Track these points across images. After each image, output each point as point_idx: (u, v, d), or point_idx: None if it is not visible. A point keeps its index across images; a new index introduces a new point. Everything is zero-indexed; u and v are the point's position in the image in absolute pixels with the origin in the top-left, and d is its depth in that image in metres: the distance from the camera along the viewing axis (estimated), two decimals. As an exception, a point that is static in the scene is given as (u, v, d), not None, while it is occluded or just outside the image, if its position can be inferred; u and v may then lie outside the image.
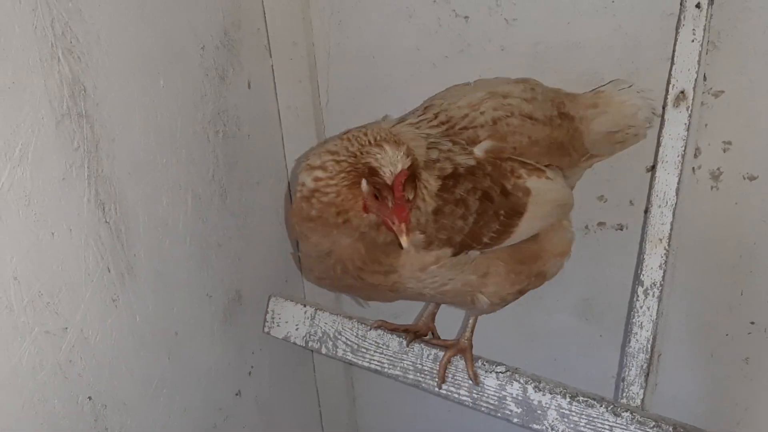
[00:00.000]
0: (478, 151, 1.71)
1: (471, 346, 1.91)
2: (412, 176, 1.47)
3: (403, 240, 1.44)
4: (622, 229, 2.14)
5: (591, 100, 1.84)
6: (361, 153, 1.49)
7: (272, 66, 2.25)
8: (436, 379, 1.91)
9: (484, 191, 1.63)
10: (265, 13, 2.18)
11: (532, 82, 1.88)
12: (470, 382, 1.86)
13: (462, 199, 1.60)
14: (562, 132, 1.78)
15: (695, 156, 1.98)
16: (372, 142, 1.49)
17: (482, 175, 1.65)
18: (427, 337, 2.01)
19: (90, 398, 1.60)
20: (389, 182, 1.44)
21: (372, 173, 1.46)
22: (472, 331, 1.91)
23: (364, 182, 1.49)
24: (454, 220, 1.60)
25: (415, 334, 1.96)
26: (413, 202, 1.49)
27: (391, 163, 1.45)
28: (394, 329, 2.00)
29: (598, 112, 1.82)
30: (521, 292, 1.78)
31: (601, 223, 2.16)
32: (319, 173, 1.53)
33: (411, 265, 1.61)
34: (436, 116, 1.78)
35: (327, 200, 1.52)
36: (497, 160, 1.69)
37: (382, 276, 1.62)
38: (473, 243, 1.63)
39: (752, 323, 2.09)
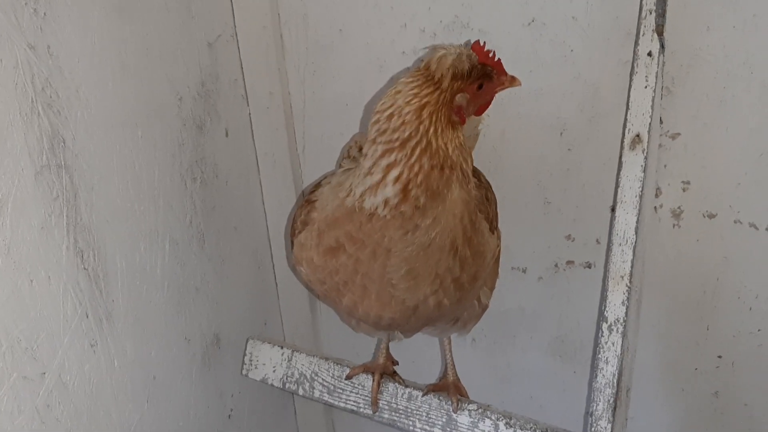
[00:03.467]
0: None
1: (458, 379, 1.99)
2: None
3: (518, 81, 1.56)
4: (590, 267, 2.21)
5: None
6: (432, 91, 1.44)
7: (249, 115, 2.33)
8: (411, 418, 1.94)
9: (488, 182, 1.79)
10: (242, 65, 2.26)
11: None
12: (444, 419, 1.90)
13: (488, 187, 1.75)
14: None
15: (656, 195, 2.06)
16: (428, 77, 1.46)
17: (480, 172, 1.81)
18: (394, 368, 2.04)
19: (68, 443, 1.62)
20: (481, 60, 1.48)
21: (461, 76, 1.45)
22: (453, 366, 2.00)
23: (458, 97, 1.47)
24: (494, 206, 1.73)
25: (382, 375, 1.99)
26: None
27: (460, 51, 1.46)
28: (362, 371, 2.03)
29: None
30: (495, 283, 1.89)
31: (569, 262, 2.23)
32: (395, 172, 1.43)
33: (491, 251, 1.63)
34: None
35: (429, 166, 1.42)
36: None
37: (482, 255, 1.60)
38: (496, 226, 1.74)
39: (719, 357, 2.15)
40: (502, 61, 1.53)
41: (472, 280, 1.61)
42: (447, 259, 1.53)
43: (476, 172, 1.74)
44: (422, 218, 1.46)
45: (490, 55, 1.51)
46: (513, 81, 1.55)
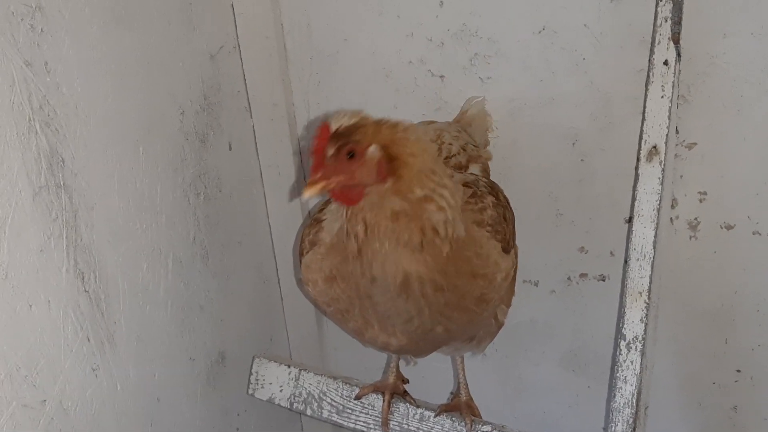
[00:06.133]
0: (476, 172, 1.84)
1: (471, 398, 1.92)
2: (343, 138, 1.35)
3: (306, 191, 1.35)
4: (604, 280, 2.15)
5: (466, 120, 2.05)
6: None
7: (253, 127, 2.28)
8: (423, 439, 1.89)
9: (506, 199, 1.76)
10: (245, 76, 2.21)
11: (432, 122, 2.04)
12: (457, 441, 1.84)
13: (506, 205, 1.70)
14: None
15: (672, 207, 2.01)
16: None
17: (499, 188, 1.76)
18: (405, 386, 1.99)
19: (69, 472, 1.56)
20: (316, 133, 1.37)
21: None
22: (466, 386, 1.94)
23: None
24: (511, 225, 1.69)
25: (393, 395, 1.94)
26: (341, 164, 1.36)
27: (333, 119, 1.37)
28: (372, 391, 1.97)
29: (474, 127, 2.04)
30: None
31: (583, 275, 2.17)
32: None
33: (503, 271, 1.57)
34: None
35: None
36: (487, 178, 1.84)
37: (488, 278, 1.53)
38: (512, 245, 1.69)
39: (738, 371, 2.10)
40: (320, 165, 1.37)
41: (480, 303, 1.55)
42: (436, 300, 1.46)
43: (494, 189, 1.69)
44: (370, 268, 1.41)
45: (318, 139, 1.37)
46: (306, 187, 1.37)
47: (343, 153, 1.35)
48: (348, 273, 1.47)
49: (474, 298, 1.52)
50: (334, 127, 1.35)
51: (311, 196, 1.36)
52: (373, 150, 1.35)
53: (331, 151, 1.35)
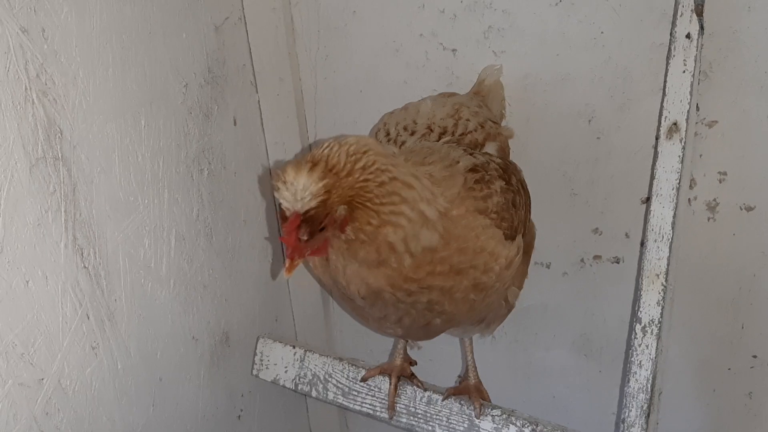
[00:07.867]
0: (492, 152, 1.77)
1: (480, 382, 1.89)
2: (313, 220, 1.31)
3: (287, 273, 1.35)
4: (618, 262, 2.10)
5: (485, 91, 1.99)
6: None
7: (258, 102, 2.22)
8: (431, 423, 1.84)
9: (521, 182, 1.71)
10: (250, 50, 2.15)
11: (453, 94, 1.98)
12: (465, 425, 1.80)
13: (518, 190, 1.64)
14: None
15: (691, 187, 1.95)
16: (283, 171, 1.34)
17: (514, 170, 1.71)
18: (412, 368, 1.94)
19: (68, 452, 1.53)
20: (287, 215, 1.32)
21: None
22: (475, 369, 1.90)
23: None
24: (521, 210, 1.64)
25: (400, 377, 1.89)
26: (315, 239, 1.34)
27: (294, 199, 1.30)
28: (379, 373, 1.93)
29: (491, 98, 1.99)
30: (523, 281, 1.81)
31: (596, 257, 2.12)
32: None
33: (503, 257, 1.52)
34: (431, 130, 1.78)
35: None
36: (504, 158, 1.78)
37: (482, 269, 1.49)
38: (522, 231, 1.64)
39: (754, 357, 2.05)
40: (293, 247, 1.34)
41: (478, 291, 1.50)
42: (416, 301, 1.43)
43: (507, 172, 1.63)
44: (337, 278, 1.42)
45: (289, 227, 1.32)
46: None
47: (317, 231, 1.33)
48: (331, 280, 1.47)
49: (466, 289, 1.47)
50: (302, 210, 1.30)
51: (291, 274, 1.37)
52: (341, 210, 1.33)
53: (305, 237, 1.32)
